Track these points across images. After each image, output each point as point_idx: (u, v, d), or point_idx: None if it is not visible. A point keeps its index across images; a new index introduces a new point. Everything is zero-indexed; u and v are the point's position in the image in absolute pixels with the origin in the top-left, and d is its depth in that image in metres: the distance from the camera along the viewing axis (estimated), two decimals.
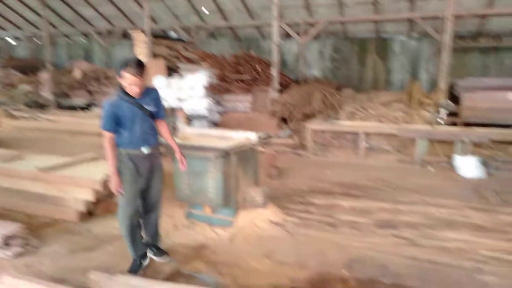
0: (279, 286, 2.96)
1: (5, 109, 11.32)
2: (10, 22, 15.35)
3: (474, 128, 6.85)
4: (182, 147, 3.32)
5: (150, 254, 3.28)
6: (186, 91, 9.04)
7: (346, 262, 3.34)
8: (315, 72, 11.49)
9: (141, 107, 2.95)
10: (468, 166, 6.04)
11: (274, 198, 4.55)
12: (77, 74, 12.22)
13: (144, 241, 3.28)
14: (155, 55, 10.44)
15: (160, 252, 3.33)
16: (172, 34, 12.34)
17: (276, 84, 9.01)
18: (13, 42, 17.28)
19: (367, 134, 7.40)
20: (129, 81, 2.81)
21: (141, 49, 10.59)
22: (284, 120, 8.72)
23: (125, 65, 2.79)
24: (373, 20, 9.94)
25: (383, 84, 10.84)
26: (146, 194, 3.14)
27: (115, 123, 2.91)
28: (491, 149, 6.76)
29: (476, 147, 6.61)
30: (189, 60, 10.65)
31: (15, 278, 2.57)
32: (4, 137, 8.89)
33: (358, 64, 11.06)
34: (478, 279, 3.04)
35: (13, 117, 10.87)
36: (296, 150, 7.74)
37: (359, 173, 6.19)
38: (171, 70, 10.15)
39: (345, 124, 7.67)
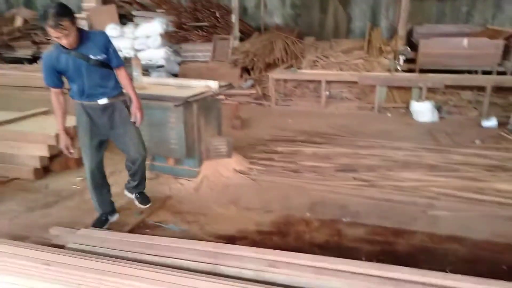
0: (245, 230, 3.05)
1: None
2: None
3: (429, 74, 7.07)
4: (140, 97, 3.16)
5: (135, 201, 3.30)
6: (142, 41, 8.55)
7: (309, 205, 3.48)
8: (277, 19, 11.16)
9: (85, 57, 2.63)
10: (423, 111, 6.31)
11: (238, 148, 4.57)
12: (18, 22, 11.11)
13: (129, 188, 3.31)
14: (105, 1, 9.64)
15: (144, 199, 3.30)
16: None
17: (236, 32, 8.69)
18: None
19: (329, 82, 7.45)
20: (52, 35, 2.44)
21: None
22: (246, 70, 8.55)
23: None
24: None
25: (344, 31, 10.74)
26: (122, 145, 3.00)
27: (57, 77, 2.68)
28: (444, 94, 7.06)
29: (430, 93, 6.87)
30: (143, 7, 9.95)
31: None
32: None
33: (319, 11, 10.83)
34: (430, 214, 3.28)
35: None
36: (259, 100, 7.69)
37: (321, 121, 6.30)
38: (124, 18, 9.46)
39: (307, 72, 7.66)
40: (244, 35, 9.27)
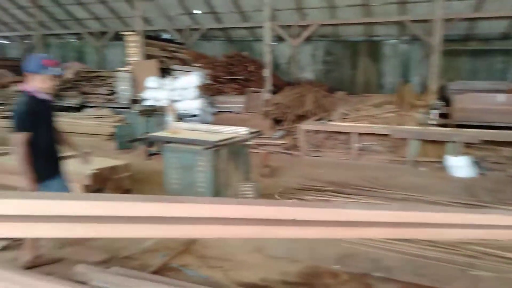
0: (269, 279, 2.92)
1: None
2: (2, 22, 15.26)
3: (464, 129, 6.90)
4: (171, 140, 3.28)
5: None
6: (179, 92, 9.01)
7: (337, 257, 3.31)
8: (308, 74, 11.53)
9: None
10: (460, 166, 6.07)
11: (267, 195, 4.53)
12: (68, 74, 12.10)
13: None
14: (148, 56, 10.39)
15: None
16: (165, 35, 12.32)
17: (269, 85, 9.01)
18: (5, 42, 17.14)
19: (359, 135, 7.41)
20: None
21: (133, 50, 10.54)
22: (277, 122, 8.72)
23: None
24: (364, 23, 10.02)
25: (374, 87, 10.90)
26: None
27: None
28: (482, 150, 6.80)
29: (467, 148, 6.64)
30: (183, 61, 10.62)
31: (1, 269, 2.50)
32: None
33: (350, 67, 11.12)
34: (470, 274, 3.02)
35: (3, 117, 10.73)
36: (289, 150, 7.72)
37: (351, 173, 6.19)
38: (165, 72, 10.10)
39: (337, 124, 7.69)
40: (276, 89, 9.59)
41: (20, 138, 2.67)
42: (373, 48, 10.82)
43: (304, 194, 4.87)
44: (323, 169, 6.40)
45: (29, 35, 14.71)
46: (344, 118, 8.08)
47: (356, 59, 11.05)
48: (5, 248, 3.31)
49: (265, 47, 9.10)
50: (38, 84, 2.77)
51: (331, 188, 5.21)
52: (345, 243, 3.54)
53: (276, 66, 11.66)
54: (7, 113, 10.97)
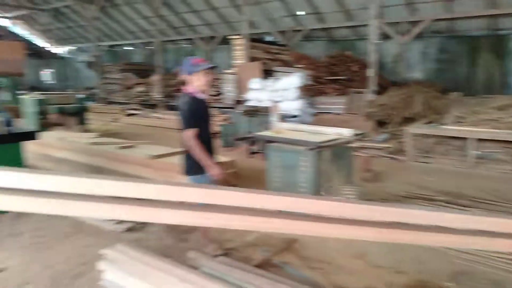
0: None
1: (122, 108, 12.90)
2: (129, 31, 17.50)
3: None
4: (276, 140, 3.36)
5: None
6: (281, 93, 9.18)
7: (450, 273, 3.02)
8: (417, 74, 10.71)
9: None
10: None
11: (369, 201, 4.34)
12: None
13: None
14: (253, 59, 10.82)
15: None
16: (269, 38, 12.69)
17: (373, 85, 8.62)
18: (130, 48, 19.62)
19: (478, 141, 6.62)
20: None
21: (238, 53, 11.10)
22: (380, 124, 8.30)
23: None
24: (487, 15, 8.90)
25: (498, 87, 9.61)
26: None
27: None
28: None
29: None
30: (285, 63, 10.81)
31: (127, 247, 2.88)
32: (121, 131, 10.11)
33: (468, 65, 9.99)
34: None
35: (129, 114, 12.32)
36: (394, 155, 7.28)
37: (467, 183, 5.57)
38: (268, 73, 10.41)
39: (452, 129, 6.98)
40: (381, 89, 9.14)
41: (190, 134, 2.97)
42: (497, 43, 9.55)
43: (411, 203, 4.55)
44: (432, 177, 5.89)
45: (150, 42, 16.55)
46: (459, 121, 7.31)
47: (475, 56, 9.88)
48: (130, 230, 3.78)
49: (370, 46, 8.73)
50: (196, 83, 3.03)
51: (442, 198, 4.77)
52: (458, 259, 3.22)
53: (381, 66, 11.09)
54: (131, 112, 12.56)
